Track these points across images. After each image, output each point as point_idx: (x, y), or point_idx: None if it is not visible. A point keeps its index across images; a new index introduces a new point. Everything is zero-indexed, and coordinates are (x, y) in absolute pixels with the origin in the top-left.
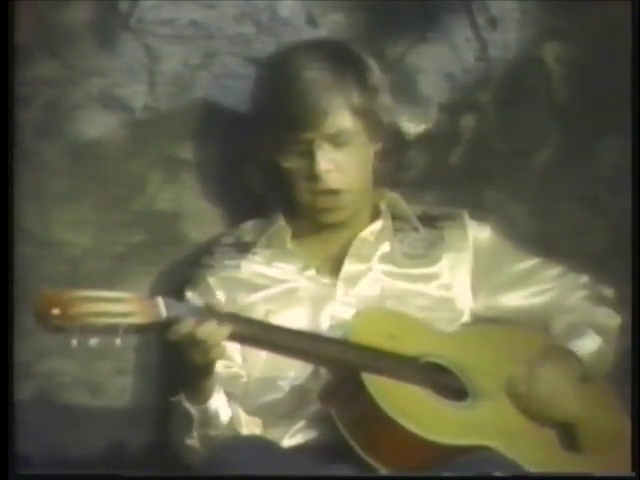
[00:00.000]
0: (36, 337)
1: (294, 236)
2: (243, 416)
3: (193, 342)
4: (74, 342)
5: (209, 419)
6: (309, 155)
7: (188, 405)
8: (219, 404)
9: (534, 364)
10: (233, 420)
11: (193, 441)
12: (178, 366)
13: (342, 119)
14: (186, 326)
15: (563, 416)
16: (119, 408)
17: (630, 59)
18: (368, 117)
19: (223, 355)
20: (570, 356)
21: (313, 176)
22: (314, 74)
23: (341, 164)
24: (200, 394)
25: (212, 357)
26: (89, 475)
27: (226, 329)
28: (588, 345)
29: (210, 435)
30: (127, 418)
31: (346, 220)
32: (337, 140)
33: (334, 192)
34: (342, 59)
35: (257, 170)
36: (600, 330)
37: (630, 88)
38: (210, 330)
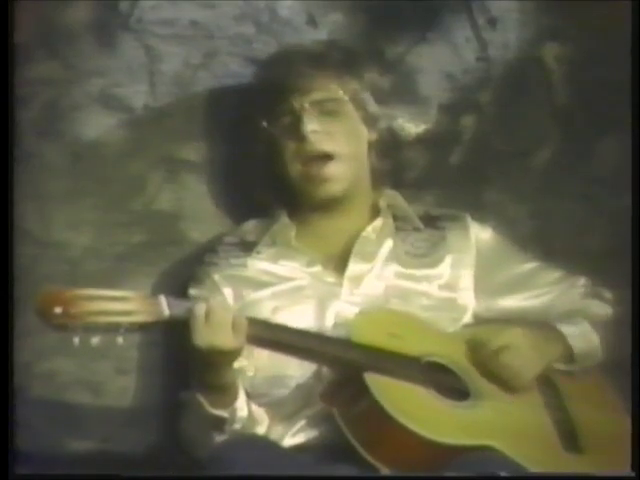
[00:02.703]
0: (37, 337)
1: (298, 233)
2: (255, 408)
3: (211, 325)
4: (76, 340)
5: (236, 416)
6: (298, 122)
7: (217, 411)
8: (242, 400)
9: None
10: (251, 413)
11: (223, 437)
12: (201, 373)
13: (329, 87)
14: (200, 307)
15: (516, 380)
16: (120, 408)
17: (630, 59)
18: (357, 100)
19: (244, 338)
20: (548, 329)
21: (300, 137)
22: (304, 50)
23: (328, 129)
24: (228, 396)
25: (236, 341)
26: (89, 475)
27: (232, 307)
28: (573, 326)
29: (234, 430)
30: (128, 418)
31: (342, 202)
32: (324, 107)
33: (323, 156)
34: (335, 48)
35: (258, 170)
36: (588, 317)
37: (630, 88)
38: (220, 305)
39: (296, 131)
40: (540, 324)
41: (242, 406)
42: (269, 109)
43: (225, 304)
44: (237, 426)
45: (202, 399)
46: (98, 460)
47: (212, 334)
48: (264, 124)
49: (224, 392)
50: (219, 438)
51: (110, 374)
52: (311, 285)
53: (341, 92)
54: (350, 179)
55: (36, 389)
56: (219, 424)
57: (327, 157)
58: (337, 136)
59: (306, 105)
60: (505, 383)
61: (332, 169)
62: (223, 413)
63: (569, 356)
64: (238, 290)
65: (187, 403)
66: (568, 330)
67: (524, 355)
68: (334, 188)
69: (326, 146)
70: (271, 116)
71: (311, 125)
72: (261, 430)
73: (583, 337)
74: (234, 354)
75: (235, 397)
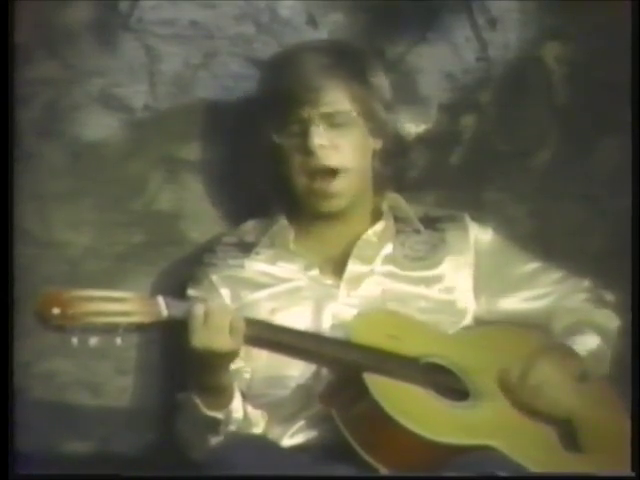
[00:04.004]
0: (36, 337)
1: (296, 236)
2: (250, 410)
3: (209, 327)
4: (74, 341)
5: (231, 418)
6: (305, 134)
7: (211, 412)
8: (238, 402)
9: (530, 358)
10: (247, 415)
11: (219, 439)
12: (197, 374)
13: (339, 100)
14: (199, 308)
15: (556, 411)
16: (119, 408)
17: (630, 59)
18: (367, 110)
19: (241, 341)
20: (568, 352)
21: (307, 151)
22: (313, 56)
23: (336, 143)
24: (222, 398)
25: (233, 343)
26: (89, 475)
27: (231, 308)
28: (587, 343)
29: (228, 432)
30: (127, 418)
31: (344, 211)
32: (333, 120)
33: (329, 171)
34: (344, 53)
35: (259, 172)
36: (599, 330)
37: (630, 88)
38: (218, 308)
39: (303, 144)
40: (555, 346)
41: (238, 408)
42: (276, 118)
43: (223, 306)
44: (232, 427)
45: (197, 400)
46: (98, 460)
47: (209, 336)
48: (275, 138)
49: (220, 394)
50: (214, 440)
51: (109, 374)
52: (309, 287)
53: (350, 105)
54: (354, 193)
55: (36, 389)
56: (214, 426)
57: (333, 172)
58: (344, 150)
59: (313, 117)
60: (551, 416)
61: (337, 185)
62: (218, 415)
63: (583, 374)
64: (236, 291)
65: (183, 404)
66: (583, 350)
67: (560, 386)
68: (337, 203)
69: (333, 161)
70: (278, 125)
71: (319, 139)
72: (257, 432)
73: (596, 355)
74: (231, 356)
75: (231, 399)
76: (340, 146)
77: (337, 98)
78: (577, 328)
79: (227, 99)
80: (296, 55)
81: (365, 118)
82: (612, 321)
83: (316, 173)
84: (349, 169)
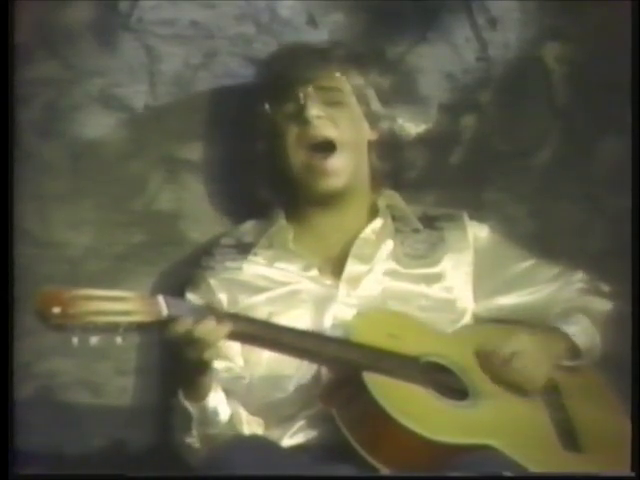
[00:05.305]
0: (36, 337)
1: (295, 235)
2: (244, 415)
3: (190, 340)
4: (75, 340)
5: (207, 417)
6: (302, 107)
7: (186, 403)
8: (217, 402)
9: (512, 332)
10: (233, 419)
11: (193, 440)
12: (175, 363)
13: (335, 79)
14: (183, 324)
15: (530, 385)
16: (119, 407)
17: (630, 59)
18: (361, 96)
19: (217, 356)
20: (554, 332)
21: (304, 121)
22: (311, 47)
23: (332, 116)
24: (197, 391)
25: (206, 357)
26: (89, 475)
27: (224, 328)
28: (574, 323)
29: (209, 434)
30: (127, 417)
31: (340, 201)
32: (329, 97)
33: (326, 144)
34: (342, 49)
35: (259, 168)
36: (588, 313)
37: (630, 88)
38: (208, 329)
39: (300, 116)
40: (542, 326)
41: (220, 410)
42: (273, 97)
43: (208, 324)
44: (212, 430)
45: (180, 390)
46: (98, 460)
47: (182, 348)
48: (266, 107)
49: (194, 386)
50: (189, 439)
51: (109, 374)
52: (307, 288)
53: (346, 83)
54: (351, 172)
55: (36, 389)
56: (187, 421)
57: (330, 147)
58: (340, 123)
59: (310, 90)
60: (519, 388)
61: (335, 162)
62: (189, 407)
63: (574, 353)
64: (233, 295)
65: (174, 400)
66: (570, 329)
67: (534, 359)
68: (336, 182)
69: (329, 132)
70: (275, 103)
71: (315, 110)
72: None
73: (585, 333)
74: (203, 364)
75: (205, 395)
76: (336, 119)
77: (333, 77)
78: (568, 312)
79: (227, 99)
80: (292, 47)
81: (359, 102)
82: (603, 305)
83: (314, 147)
84: (345, 143)
